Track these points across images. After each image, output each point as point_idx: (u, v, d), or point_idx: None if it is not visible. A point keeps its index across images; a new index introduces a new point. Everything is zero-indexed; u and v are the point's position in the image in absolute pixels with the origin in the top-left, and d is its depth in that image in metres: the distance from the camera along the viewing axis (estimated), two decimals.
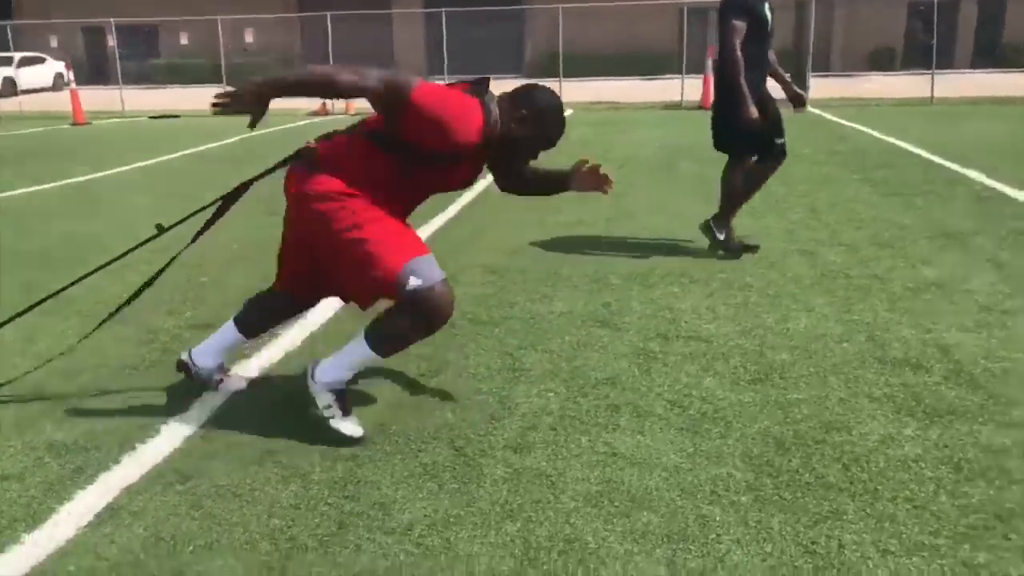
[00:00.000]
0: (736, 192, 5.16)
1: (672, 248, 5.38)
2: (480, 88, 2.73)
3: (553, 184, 3.08)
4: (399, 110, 2.57)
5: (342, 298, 3.01)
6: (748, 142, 5.04)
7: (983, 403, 2.97)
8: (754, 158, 5.14)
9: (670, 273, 4.76)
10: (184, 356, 3.15)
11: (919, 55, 24.11)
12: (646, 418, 2.90)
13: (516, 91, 2.76)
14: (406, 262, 2.58)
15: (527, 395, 3.12)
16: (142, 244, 3.23)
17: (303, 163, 2.76)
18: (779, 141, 5.06)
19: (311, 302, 3.13)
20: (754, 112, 4.83)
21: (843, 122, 13.65)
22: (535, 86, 2.78)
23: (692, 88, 17.42)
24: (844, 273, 4.65)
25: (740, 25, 4.82)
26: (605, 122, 14.18)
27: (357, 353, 2.73)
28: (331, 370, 2.75)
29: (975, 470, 2.52)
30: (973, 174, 7.80)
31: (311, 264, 2.87)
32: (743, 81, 4.81)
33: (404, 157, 2.67)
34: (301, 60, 31.22)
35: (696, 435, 2.77)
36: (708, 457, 2.62)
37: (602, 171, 2.98)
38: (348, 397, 2.81)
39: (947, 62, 28.98)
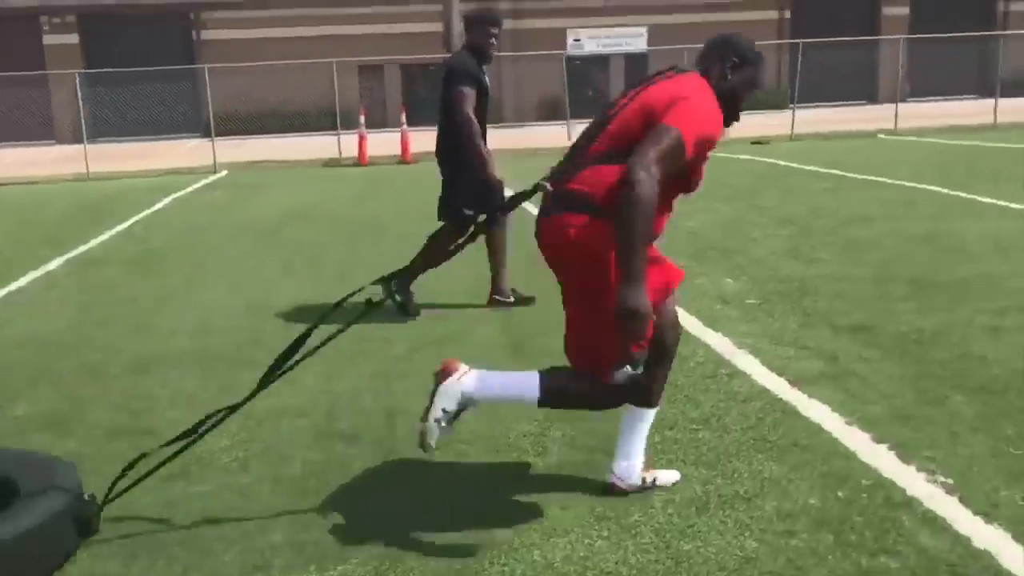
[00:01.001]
0: (437, 257, 5.05)
1: (202, 324, 5.19)
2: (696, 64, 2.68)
3: None
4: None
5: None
6: (479, 208, 5.07)
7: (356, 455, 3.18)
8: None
9: (183, 356, 4.55)
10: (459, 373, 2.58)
11: (582, 107, 26.32)
12: None
13: (714, 44, 2.69)
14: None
15: None
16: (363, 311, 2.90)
17: (567, 207, 2.51)
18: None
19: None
20: (498, 172, 4.99)
21: None
22: (729, 34, 2.72)
23: (349, 144, 17.54)
24: (360, 337, 4.58)
25: (470, 92, 4.96)
26: (253, 184, 13.68)
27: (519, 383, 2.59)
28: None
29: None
30: None
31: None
32: (480, 143, 4.96)
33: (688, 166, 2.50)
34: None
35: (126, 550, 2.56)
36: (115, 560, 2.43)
37: None
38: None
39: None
